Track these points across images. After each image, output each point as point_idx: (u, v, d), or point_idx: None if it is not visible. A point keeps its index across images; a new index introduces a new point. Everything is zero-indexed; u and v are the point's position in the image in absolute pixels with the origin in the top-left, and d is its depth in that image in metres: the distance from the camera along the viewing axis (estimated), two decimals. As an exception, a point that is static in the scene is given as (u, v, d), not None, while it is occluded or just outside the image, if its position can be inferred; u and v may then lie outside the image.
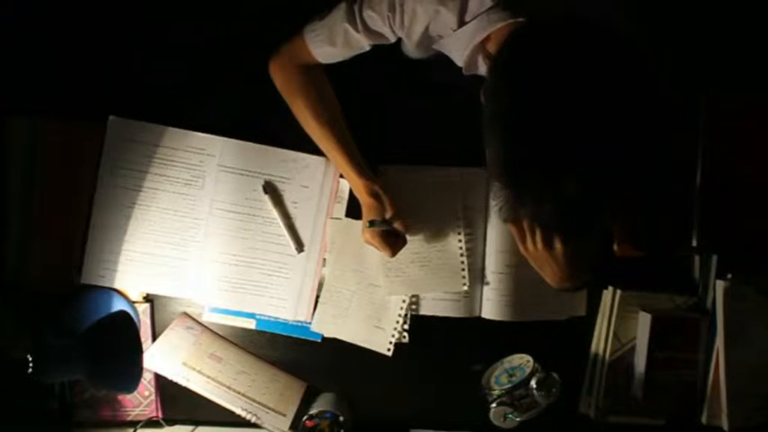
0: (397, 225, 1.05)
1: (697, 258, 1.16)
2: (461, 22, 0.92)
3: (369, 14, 0.95)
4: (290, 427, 1.10)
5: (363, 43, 1.00)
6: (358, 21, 0.97)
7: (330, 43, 1.00)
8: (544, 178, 0.71)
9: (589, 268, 0.94)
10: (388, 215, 1.04)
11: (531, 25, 0.78)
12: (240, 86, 1.12)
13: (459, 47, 0.95)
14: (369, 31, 0.98)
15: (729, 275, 1.12)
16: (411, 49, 1.01)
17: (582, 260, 0.92)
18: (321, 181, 1.13)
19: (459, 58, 0.97)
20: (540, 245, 0.87)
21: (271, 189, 1.12)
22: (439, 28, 0.95)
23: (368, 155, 1.09)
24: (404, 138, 1.14)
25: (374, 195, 1.05)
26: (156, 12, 1.11)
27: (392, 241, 1.06)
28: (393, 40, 0.99)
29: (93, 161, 1.09)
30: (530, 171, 0.71)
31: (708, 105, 1.14)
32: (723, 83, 1.14)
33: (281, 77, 1.06)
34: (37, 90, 1.10)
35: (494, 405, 1.10)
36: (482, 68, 0.97)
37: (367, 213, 1.06)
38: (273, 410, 1.10)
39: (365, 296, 1.14)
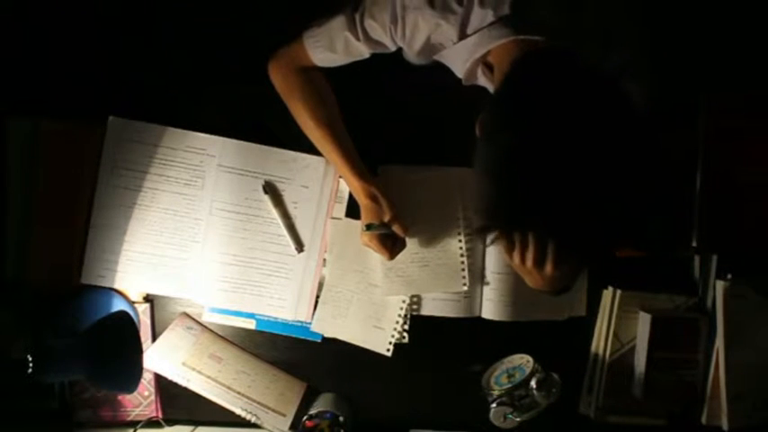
0: (395, 228, 1.05)
1: (697, 258, 1.16)
2: (463, 35, 0.92)
3: (370, 24, 0.95)
4: (290, 428, 1.10)
5: (364, 51, 1.00)
6: (359, 30, 0.96)
7: (330, 50, 1.00)
8: (529, 224, 0.73)
9: (572, 279, 0.95)
10: (386, 218, 1.04)
11: (515, 77, 0.78)
12: (240, 86, 1.12)
13: (460, 59, 0.95)
14: (369, 40, 0.97)
15: (729, 275, 1.12)
16: (412, 56, 1.01)
17: (568, 276, 0.92)
18: (321, 181, 1.13)
19: (460, 70, 0.97)
20: (529, 263, 0.87)
21: (271, 189, 1.12)
22: (440, 40, 0.95)
23: (368, 155, 1.09)
24: (404, 138, 1.14)
25: (372, 198, 1.05)
26: (157, 12, 1.11)
27: (390, 244, 1.06)
28: (393, 49, 0.99)
29: (93, 161, 1.09)
30: (513, 217, 0.74)
31: (708, 105, 1.14)
32: (723, 82, 1.14)
33: (279, 79, 1.06)
34: (37, 90, 1.10)
35: (494, 405, 1.10)
36: (481, 79, 0.97)
37: (365, 216, 1.06)
38: (273, 411, 1.10)
39: (365, 296, 1.14)
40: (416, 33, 0.94)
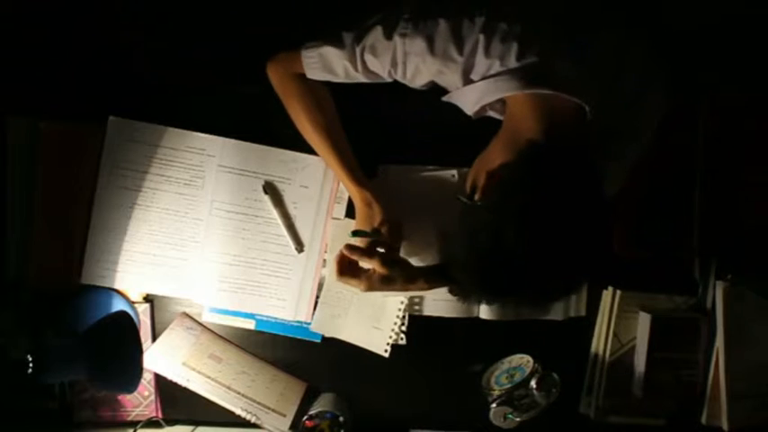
0: (384, 233, 1.03)
1: (697, 258, 1.16)
2: (467, 81, 0.93)
3: (370, 59, 0.95)
4: (290, 428, 1.10)
5: (361, 79, 0.99)
6: (358, 61, 0.96)
7: (326, 72, 1.00)
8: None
9: None
10: (375, 223, 1.04)
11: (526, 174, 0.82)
12: (240, 86, 1.11)
13: (466, 102, 0.96)
14: (368, 71, 0.98)
15: (729, 276, 1.12)
16: (413, 86, 1.01)
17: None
18: (321, 181, 1.12)
19: (468, 110, 0.97)
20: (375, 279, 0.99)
21: (271, 189, 1.12)
22: (444, 83, 0.96)
23: (368, 155, 1.09)
24: (404, 138, 1.14)
25: (367, 204, 1.05)
26: (157, 12, 1.11)
27: (380, 252, 1.05)
28: (391, 80, 0.99)
29: (94, 161, 1.09)
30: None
31: (708, 105, 1.14)
32: (723, 83, 1.14)
33: (277, 81, 1.05)
34: (37, 90, 1.09)
35: (494, 405, 1.10)
36: (490, 112, 0.97)
37: (358, 221, 1.07)
38: (273, 411, 1.10)
39: (365, 297, 1.14)
40: (418, 76, 0.95)
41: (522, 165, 0.82)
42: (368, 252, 0.99)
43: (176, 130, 1.10)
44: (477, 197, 0.89)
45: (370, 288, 0.99)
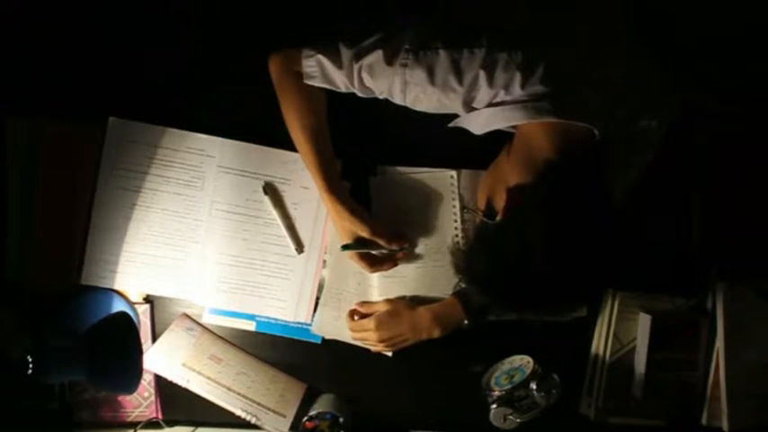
0: (377, 240, 1.04)
1: (697, 258, 1.16)
2: (470, 109, 0.94)
3: (367, 78, 0.95)
4: (290, 428, 1.10)
5: (356, 92, 1.00)
6: (356, 78, 0.96)
7: (326, 83, 0.99)
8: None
9: None
10: (363, 234, 1.04)
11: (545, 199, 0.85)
12: (240, 87, 1.11)
13: (474, 126, 0.96)
14: (365, 87, 0.98)
15: (729, 276, 1.12)
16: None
17: None
18: (321, 181, 1.12)
19: (475, 132, 0.97)
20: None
21: (271, 190, 1.12)
22: (446, 111, 0.97)
23: (367, 155, 1.10)
24: (403, 138, 1.13)
25: (338, 215, 1.04)
26: (157, 11, 1.11)
27: (373, 260, 1.07)
28: (383, 98, 0.99)
29: (93, 161, 1.09)
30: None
31: (707, 105, 1.14)
32: (723, 83, 1.14)
33: (275, 74, 1.04)
34: (37, 90, 1.09)
35: (494, 406, 1.10)
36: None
37: (339, 233, 1.07)
38: (273, 411, 1.10)
39: (365, 297, 1.14)
40: (418, 104, 0.96)
41: (545, 186, 0.85)
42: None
43: (176, 130, 1.10)
44: (498, 217, 0.91)
45: (381, 327, 1.08)
